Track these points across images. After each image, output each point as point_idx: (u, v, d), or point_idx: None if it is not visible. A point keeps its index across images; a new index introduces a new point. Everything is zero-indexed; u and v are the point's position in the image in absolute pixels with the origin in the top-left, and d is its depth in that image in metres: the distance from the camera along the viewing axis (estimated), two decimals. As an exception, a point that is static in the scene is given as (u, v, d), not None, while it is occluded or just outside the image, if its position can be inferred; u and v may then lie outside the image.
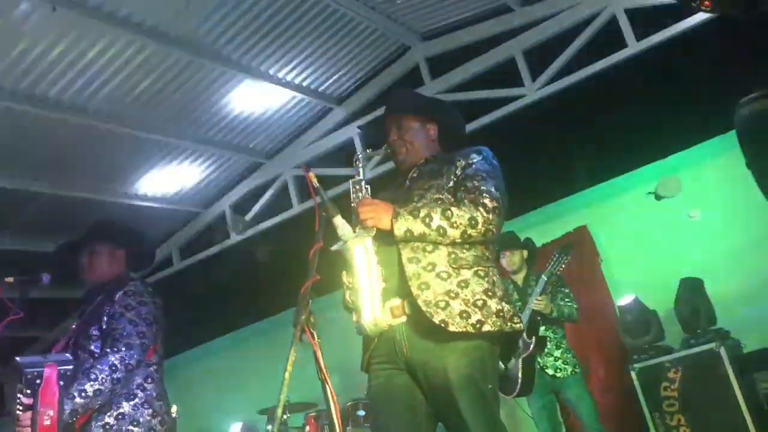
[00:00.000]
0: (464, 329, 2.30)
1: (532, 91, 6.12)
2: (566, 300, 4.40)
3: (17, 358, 2.74)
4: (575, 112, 5.96)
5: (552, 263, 4.24)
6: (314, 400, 5.39)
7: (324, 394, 2.18)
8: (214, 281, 7.41)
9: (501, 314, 2.37)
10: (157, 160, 6.67)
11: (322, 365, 2.17)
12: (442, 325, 2.30)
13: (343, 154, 6.61)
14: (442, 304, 2.32)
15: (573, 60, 5.95)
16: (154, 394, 3.00)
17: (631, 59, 5.69)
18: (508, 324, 2.38)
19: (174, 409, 5.42)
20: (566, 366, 4.29)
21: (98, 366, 2.80)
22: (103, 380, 2.78)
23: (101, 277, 3.14)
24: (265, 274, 7.00)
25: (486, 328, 2.33)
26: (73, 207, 6.46)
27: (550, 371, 4.28)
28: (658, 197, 5.86)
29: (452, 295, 2.34)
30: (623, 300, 5.29)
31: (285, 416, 5.40)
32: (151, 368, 3.02)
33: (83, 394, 2.75)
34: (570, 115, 5.99)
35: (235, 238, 7.41)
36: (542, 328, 4.31)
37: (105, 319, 2.95)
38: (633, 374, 4.98)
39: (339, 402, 5.52)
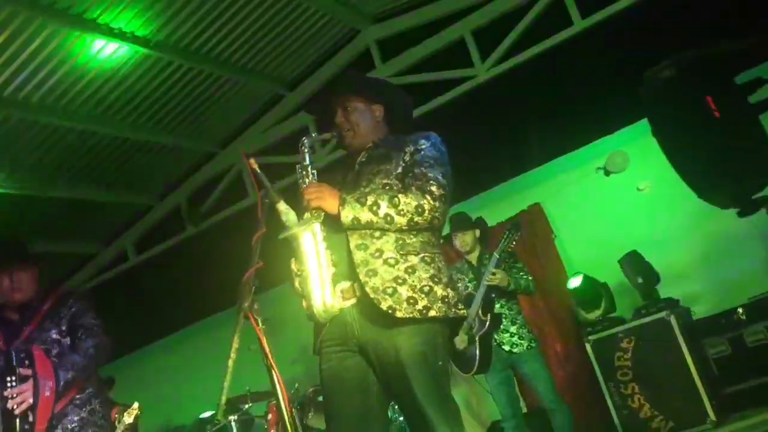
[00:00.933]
0: (411, 315, 2.33)
1: (482, 72, 6.15)
2: (521, 273, 4.46)
3: None
4: (525, 91, 6.02)
5: (503, 240, 4.30)
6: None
7: (270, 380, 2.18)
8: (171, 275, 7.32)
9: (446, 300, 2.41)
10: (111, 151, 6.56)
11: (267, 351, 2.17)
12: (390, 311, 2.32)
13: (296, 142, 6.56)
14: (390, 291, 2.34)
15: (521, 39, 6.00)
16: (109, 395, 3.19)
17: (577, 36, 5.76)
18: (452, 310, 2.42)
19: (136, 405, 5.40)
20: (522, 341, 4.35)
21: (83, 345, 3.03)
22: (90, 356, 3.02)
23: (27, 295, 3.20)
24: (223, 266, 6.93)
25: (432, 313, 2.36)
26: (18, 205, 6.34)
27: (507, 347, 4.35)
28: (607, 172, 5.97)
29: (399, 281, 2.36)
30: (573, 280, 5.38)
31: (247, 405, 5.40)
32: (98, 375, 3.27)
33: (76, 367, 2.96)
34: (520, 95, 6.05)
35: (191, 230, 7.34)
36: (497, 306, 4.37)
37: (65, 321, 3.12)
38: (588, 346, 5.09)
39: (301, 388, 5.56)
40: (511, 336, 4.36)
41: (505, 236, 4.29)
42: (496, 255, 4.26)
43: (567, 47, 5.84)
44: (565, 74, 5.83)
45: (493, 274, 4.22)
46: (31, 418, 2.82)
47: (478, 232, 4.57)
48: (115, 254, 7.78)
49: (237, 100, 6.71)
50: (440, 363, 2.42)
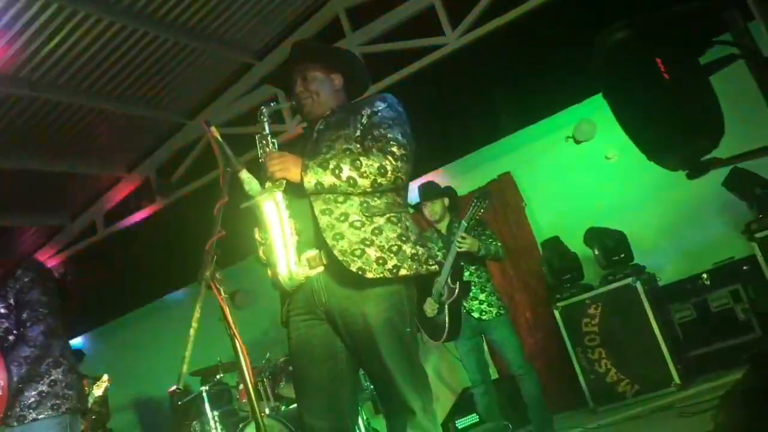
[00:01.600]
0: (382, 275, 2.33)
1: (452, 40, 6.11)
2: (490, 240, 4.48)
3: None
4: (495, 59, 5.99)
5: (471, 208, 4.31)
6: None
7: (234, 349, 2.18)
8: (141, 247, 7.26)
9: (416, 258, 2.41)
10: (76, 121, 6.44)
11: (230, 320, 2.16)
12: (360, 272, 2.32)
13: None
14: (358, 252, 2.34)
15: (491, 8, 5.95)
16: (72, 361, 2.99)
17: (545, 5, 5.73)
18: (424, 266, 2.42)
19: (105, 377, 5.38)
20: (491, 308, 4.39)
21: (30, 334, 2.80)
22: (40, 346, 2.80)
23: None
24: (194, 238, 6.88)
25: (402, 272, 2.36)
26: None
27: (476, 314, 4.38)
28: (576, 141, 6.00)
29: (367, 242, 2.36)
30: (545, 244, 5.44)
31: (219, 376, 5.40)
32: (64, 338, 3.01)
33: (27, 360, 2.76)
34: (490, 63, 6.02)
35: (161, 202, 7.26)
36: (466, 273, 4.39)
37: (11, 296, 2.90)
38: (556, 312, 5.16)
39: (273, 358, 5.55)
40: (480, 303, 4.39)
41: (473, 204, 4.30)
42: (464, 223, 4.27)
43: (535, 15, 5.80)
44: (534, 43, 5.81)
45: (463, 238, 4.24)
46: None
47: (447, 201, 4.58)
48: (84, 226, 7.67)
49: (204, 70, 6.60)
50: (408, 329, 2.43)
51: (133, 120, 6.80)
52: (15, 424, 2.74)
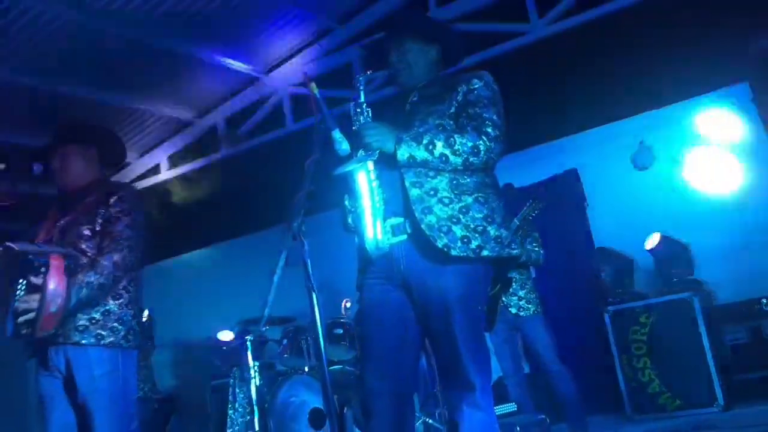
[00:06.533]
0: (465, 254, 2.37)
1: (537, 28, 6.02)
2: (534, 245, 4.48)
3: (14, 245, 2.76)
4: (578, 53, 5.88)
5: (525, 209, 4.30)
6: (293, 315, 5.49)
7: (309, 300, 2.23)
8: (201, 193, 7.39)
9: (499, 240, 2.44)
10: (159, 68, 6.54)
11: (310, 273, 2.21)
12: (445, 249, 2.36)
13: (339, 77, 6.52)
14: (445, 229, 2.38)
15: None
16: (135, 297, 3.02)
17: (639, 5, 5.59)
18: (506, 250, 2.45)
19: (145, 313, 5.52)
20: (529, 306, 4.38)
21: (102, 262, 2.83)
22: (107, 276, 2.82)
23: (77, 180, 3.10)
24: (253, 191, 7.01)
25: (485, 253, 2.40)
26: (71, 104, 6.34)
27: (513, 310, 4.38)
28: (650, 147, 5.88)
29: (454, 220, 2.40)
30: (603, 247, 5.38)
31: (264, 328, 5.50)
32: (135, 273, 3.04)
33: (90, 287, 2.79)
34: (572, 56, 5.91)
35: (225, 152, 7.37)
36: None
37: (100, 221, 2.94)
38: (606, 316, 5.12)
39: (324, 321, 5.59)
40: (519, 300, 4.39)
41: (528, 205, 4.29)
42: (516, 221, 4.26)
43: (626, 15, 5.67)
44: (621, 41, 5.68)
45: None
46: (32, 328, 2.71)
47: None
48: (148, 165, 7.84)
49: (287, 28, 6.65)
50: (480, 309, 2.47)
51: (209, 67, 6.87)
52: (61, 341, 2.83)
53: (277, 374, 5.29)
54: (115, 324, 2.88)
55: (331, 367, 5.19)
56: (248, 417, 5.08)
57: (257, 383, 5.11)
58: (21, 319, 2.69)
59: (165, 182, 7.69)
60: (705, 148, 5.59)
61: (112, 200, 2.96)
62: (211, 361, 6.07)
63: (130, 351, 2.94)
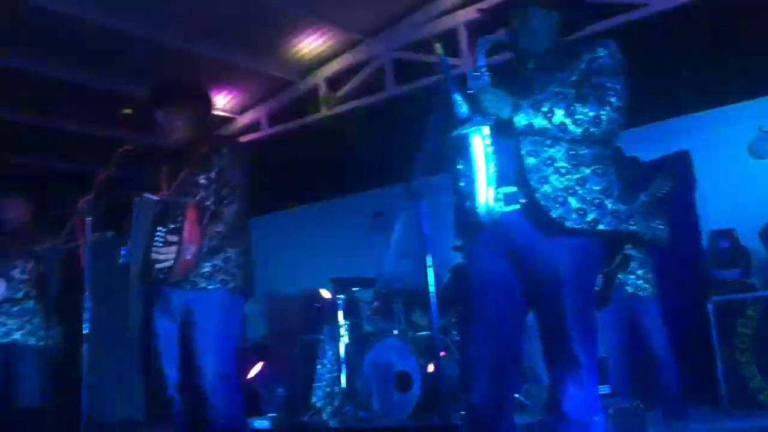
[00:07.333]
0: (580, 227, 2.31)
1: (656, 1, 5.74)
2: (658, 222, 4.28)
3: (153, 196, 2.97)
4: (696, 29, 5.58)
5: (655, 184, 4.10)
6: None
7: (423, 261, 2.23)
8: (299, 152, 7.49)
9: (617, 214, 2.36)
10: (266, 27, 6.62)
11: (426, 234, 2.20)
12: (559, 220, 2.30)
13: (439, 44, 6.44)
14: (560, 200, 2.32)
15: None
16: (248, 246, 3.14)
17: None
18: (623, 225, 2.37)
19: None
20: (647, 286, 4.23)
21: (225, 212, 2.97)
22: (229, 224, 2.97)
23: (185, 136, 3.18)
24: (351, 154, 7.08)
25: (601, 227, 2.32)
26: (167, 55, 6.53)
27: (630, 289, 4.23)
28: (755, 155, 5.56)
29: (570, 191, 2.33)
30: (714, 233, 5.15)
31: (355, 289, 5.59)
32: (246, 221, 3.16)
33: (216, 236, 2.95)
34: (689, 33, 5.62)
35: (324, 113, 7.44)
36: (628, 246, 4.21)
37: (215, 171, 3.05)
38: (710, 306, 4.92)
39: (409, 283, 5.59)
40: (637, 279, 4.25)
41: (658, 180, 4.09)
42: (643, 196, 4.08)
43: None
44: (746, 21, 5.35)
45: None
46: (167, 275, 2.88)
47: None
48: (248, 122, 8.01)
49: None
50: (592, 283, 2.41)
51: (311, 28, 6.90)
52: (188, 287, 2.98)
53: (367, 335, 5.37)
54: (235, 270, 3.02)
55: (419, 333, 5.23)
56: (335, 374, 5.20)
57: (346, 342, 5.21)
58: (158, 266, 2.87)
59: (264, 139, 7.84)
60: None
61: (224, 150, 3.07)
62: (302, 317, 6.22)
63: (243, 296, 3.09)
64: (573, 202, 2.32)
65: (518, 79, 2.58)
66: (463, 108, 2.42)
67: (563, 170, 2.36)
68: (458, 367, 2.61)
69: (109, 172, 3.22)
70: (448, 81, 2.41)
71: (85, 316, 3.16)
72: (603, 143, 2.44)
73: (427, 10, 6.81)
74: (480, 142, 2.37)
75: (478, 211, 2.36)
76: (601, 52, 2.47)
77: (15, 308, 4.08)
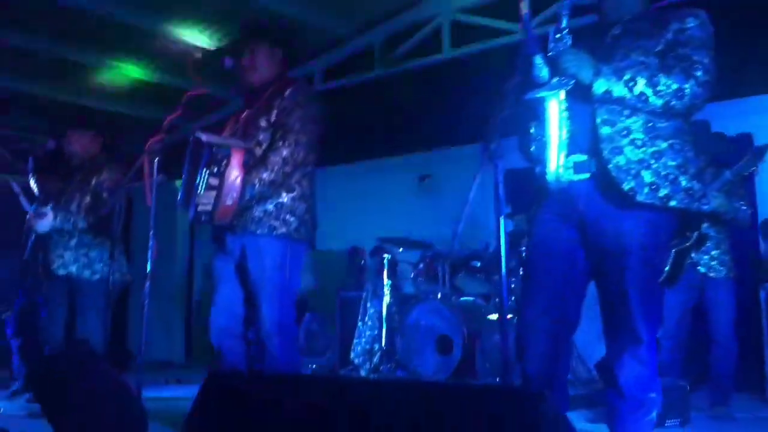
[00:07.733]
0: (651, 201, 2.26)
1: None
2: (741, 203, 4.12)
3: (202, 135, 2.90)
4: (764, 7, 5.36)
5: (743, 162, 3.94)
6: (430, 240, 5.53)
7: (496, 224, 2.20)
8: (353, 110, 7.45)
9: (690, 192, 2.31)
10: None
11: (502, 196, 2.18)
12: (630, 193, 2.26)
13: (498, 9, 6.35)
14: (633, 172, 2.27)
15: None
16: (309, 192, 3.09)
17: None
18: (696, 204, 2.32)
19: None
20: (722, 268, 4.08)
21: (272, 157, 2.91)
22: (277, 171, 2.91)
23: (263, 77, 3.15)
24: (402, 114, 7.02)
25: (672, 203, 2.28)
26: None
27: (702, 269, 4.10)
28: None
29: (644, 164, 2.28)
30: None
31: (400, 249, 5.60)
32: (309, 167, 3.10)
33: (262, 183, 2.89)
34: (757, 10, 5.40)
35: (379, 71, 7.37)
36: (705, 224, 4.03)
37: (275, 111, 3.01)
38: (762, 293, 4.82)
39: (458, 250, 5.50)
40: (711, 260, 4.10)
41: (746, 158, 3.94)
42: (728, 174, 3.94)
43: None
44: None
45: (715, 195, 3.89)
46: (210, 217, 2.86)
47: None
48: (302, 76, 7.98)
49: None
50: (659, 260, 2.37)
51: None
52: (239, 231, 2.96)
53: (409, 296, 5.40)
54: (287, 216, 2.97)
55: (462, 299, 5.23)
56: (376, 332, 5.25)
57: (388, 301, 5.24)
58: (200, 208, 2.85)
59: (317, 94, 7.80)
60: None
61: (287, 92, 3.03)
62: (345, 272, 6.25)
63: (300, 243, 3.03)
64: (646, 176, 2.27)
65: (601, 44, 2.50)
66: (543, 72, 2.36)
67: (639, 142, 2.31)
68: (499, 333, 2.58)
69: (177, 115, 3.22)
70: (529, 41, 2.35)
71: (149, 254, 3.20)
72: (683, 117, 2.39)
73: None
74: (555, 107, 2.33)
75: (548, 177, 2.33)
76: (691, 22, 2.39)
77: (72, 241, 4.15)
